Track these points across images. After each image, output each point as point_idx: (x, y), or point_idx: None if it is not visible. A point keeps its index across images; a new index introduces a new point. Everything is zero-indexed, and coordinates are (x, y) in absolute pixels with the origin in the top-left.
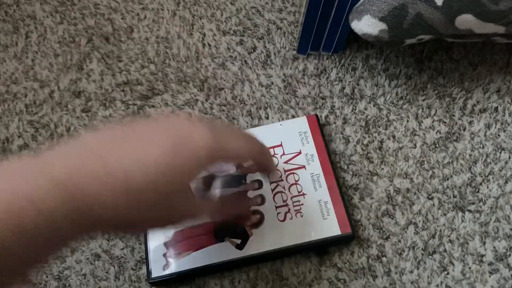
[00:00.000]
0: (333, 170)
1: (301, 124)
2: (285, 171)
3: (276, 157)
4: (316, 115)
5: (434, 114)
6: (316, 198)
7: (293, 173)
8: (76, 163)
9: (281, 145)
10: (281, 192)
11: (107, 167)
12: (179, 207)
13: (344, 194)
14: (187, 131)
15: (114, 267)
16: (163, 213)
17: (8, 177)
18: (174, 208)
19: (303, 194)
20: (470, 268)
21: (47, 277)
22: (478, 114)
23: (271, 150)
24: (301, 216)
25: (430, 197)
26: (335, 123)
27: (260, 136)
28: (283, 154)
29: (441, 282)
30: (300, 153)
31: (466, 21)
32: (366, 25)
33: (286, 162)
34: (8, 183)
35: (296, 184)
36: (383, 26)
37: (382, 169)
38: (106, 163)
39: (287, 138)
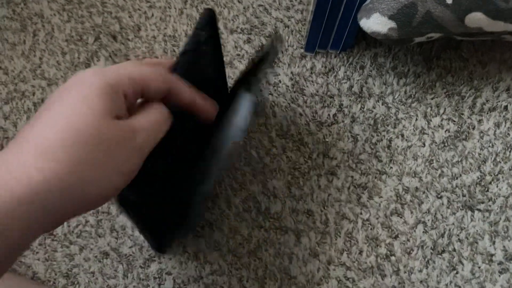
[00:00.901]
0: None
1: None
2: None
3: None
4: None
5: (443, 113)
6: None
7: None
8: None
9: None
10: None
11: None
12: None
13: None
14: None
15: (123, 265)
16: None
17: None
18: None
19: None
20: (479, 267)
21: (55, 274)
22: (487, 113)
23: None
24: None
25: (439, 196)
26: (343, 121)
27: None
28: None
29: (450, 282)
30: None
31: (476, 19)
32: (375, 23)
33: None
34: None
35: None
36: (392, 24)
37: (391, 168)
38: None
39: None
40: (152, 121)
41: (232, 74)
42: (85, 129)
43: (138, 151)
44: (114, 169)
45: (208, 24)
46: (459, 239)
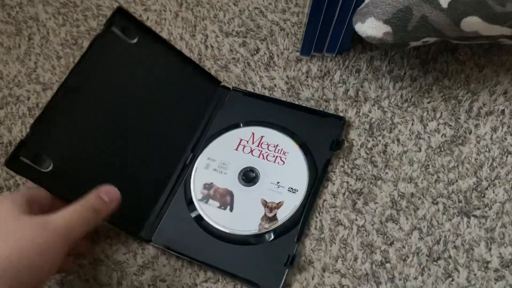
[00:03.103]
0: None
1: None
2: None
3: None
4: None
5: (440, 117)
6: None
7: None
8: None
9: None
10: None
11: None
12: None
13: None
14: None
15: (117, 273)
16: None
17: None
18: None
19: None
20: (475, 274)
21: (50, 281)
22: (484, 117)
23: None
24: None
25: (435, 202)
26: None
27: None
28: None
29: None
30: None
31: (472, 23)
32: (370, 27)
33: None
34: None
35: None
36: (387, 28)
37: (386, 173)
38: None
39: None
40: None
41: (227, 78)
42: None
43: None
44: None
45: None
46: (455, 246)
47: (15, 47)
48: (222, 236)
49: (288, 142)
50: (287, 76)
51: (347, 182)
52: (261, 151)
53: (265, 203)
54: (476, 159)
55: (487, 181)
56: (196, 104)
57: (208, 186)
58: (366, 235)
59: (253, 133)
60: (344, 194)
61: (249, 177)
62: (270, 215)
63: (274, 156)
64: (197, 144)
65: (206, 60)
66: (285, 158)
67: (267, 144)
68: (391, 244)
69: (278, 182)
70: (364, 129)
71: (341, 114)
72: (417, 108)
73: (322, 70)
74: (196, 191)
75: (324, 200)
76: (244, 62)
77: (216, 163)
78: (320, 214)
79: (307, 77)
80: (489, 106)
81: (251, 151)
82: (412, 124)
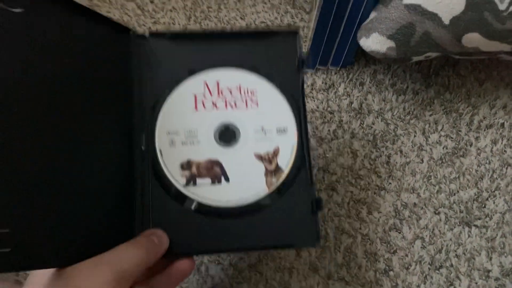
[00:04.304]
0: None
1: None
2: None
3: None
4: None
5: (441, 130)
6: None
7: None
8: None
9: None
10: None
11: None
12: None
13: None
14: None
15: None
16: None
17: None
18: None
19: None
20: (476, 283)
21: None
22: (484, 130)
23: None
24: None
25: (437, 212)
26: (343, 137)
27: None
28: None
29: None
30: None
31: (473, 39)
32: (374, 42)
33: None
34: None
35: None
36: (391, 43)
37: (390, 183)
38: None
39: None
40: None
41: None
42: None
43: None
44: None
45: None
46: (456, 254)
47: None
48: (232, 213)
49: (250, 77)
50: None
51: (351, 192)
52: (226, 99)
53: (260, 157)
54: (476, 170)
55: (488, 192)
56: (115, 71)
57: (186, 165)
58: (370, 244)
59: (205, 82)
60: (348, 203)
61: (227, 135)
62: (272, 167)
63: (243, 101)
64: (141, 121)
65: None
66: (256, 98)
67: (228, 89)
68: (394, 252)
69: (262, 128)
70: (368, 140)
71: (346, 126)
72: (419, 120)
73: (326, 83)
74: (175, 177)
75: (329, 209)
76: None
77: (181, 135)
78: (325, 222)
79: (312, 89)
80: (489, 119)
81: (214, 104)
82: (415, 136)
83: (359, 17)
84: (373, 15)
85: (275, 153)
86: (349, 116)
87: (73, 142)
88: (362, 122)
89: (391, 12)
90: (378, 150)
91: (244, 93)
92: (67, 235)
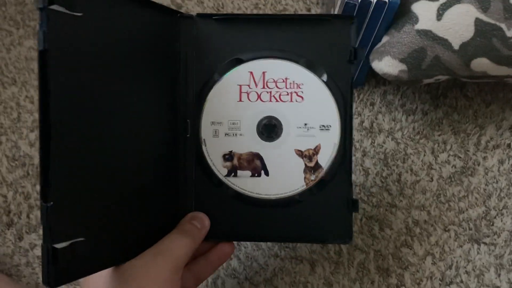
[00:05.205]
0: None
1: None
2: None
3: None
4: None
5: (450, 149)
6: None
7: None
8: None
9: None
10: None
11: None
12: None
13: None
14: None
15: None
16: None
17: None
18: None
19: None
20: None
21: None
22: (491, 150)
23: None
24: None
25: (446, 229)
26: (355, 155)
27: None
28: None
29: None
30: None
31: (481, 64)
32: (386, 65)
33: None
34: None
35: None
36: (403, 67)
37: (401, 201)
38: None
39: None
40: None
41: None
42: None
43: None
44: None
45: None
46: (466, 271)
47: None
48: (269, 204)
49: (298, 69)
50: None
51: (364, 209)
52: (270, 91)
53: (300, 153)
54: (484, 189)
55: (496, 210)
56: (164, 53)
57: (228, 157)
58: (382, 260)
59: (251, 73)
60: (361, 220)
61: (270, 129)
62: (311, 164)
63: (288, 94)
64: (185, 108)
65: None
66: (302, 92)
67: (274, 81)
68: (406, 268)
69: (305, 124)
70: (379, 158)
71: (357, 145)
72: (428, 140)
73: None
74: (217, 167)
75: None
76: None
77: (225, 125)
78: None
79: None
80: (496, 140)
81: (259, 96)
82: (424, 155)
83: (371, 41)
84: (385, 39)
85: (316, 150)
86: (361, 134)
87: (126, 131)
88: (373, 141)
89: (403, 37)
90: (389, 168)
91: (290, 85)
92: (125, 230)
